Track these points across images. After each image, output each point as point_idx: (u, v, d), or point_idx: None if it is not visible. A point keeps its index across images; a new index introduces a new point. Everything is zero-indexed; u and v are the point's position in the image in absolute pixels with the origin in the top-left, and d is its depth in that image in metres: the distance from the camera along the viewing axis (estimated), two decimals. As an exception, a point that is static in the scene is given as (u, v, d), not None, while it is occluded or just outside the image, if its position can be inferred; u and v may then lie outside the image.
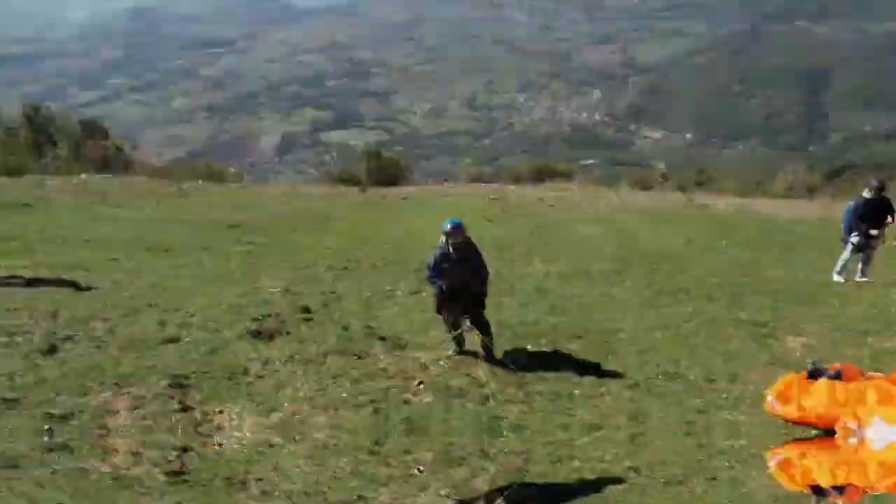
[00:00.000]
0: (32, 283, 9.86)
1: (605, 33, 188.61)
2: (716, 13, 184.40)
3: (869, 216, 12.32)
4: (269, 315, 9.28)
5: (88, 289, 9.88)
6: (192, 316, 9.14)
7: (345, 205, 22.79)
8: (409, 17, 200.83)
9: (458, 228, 7.37)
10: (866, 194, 12.53)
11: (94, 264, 11.55)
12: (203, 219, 18.01)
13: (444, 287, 7.64)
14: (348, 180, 30.81)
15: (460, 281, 7.55)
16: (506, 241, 16.19)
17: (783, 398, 6.57)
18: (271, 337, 8.55)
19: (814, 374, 6.93)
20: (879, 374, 6.98)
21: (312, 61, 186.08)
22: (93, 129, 28.46)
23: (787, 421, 6.36)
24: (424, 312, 9.88)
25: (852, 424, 6.07)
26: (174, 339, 8.18)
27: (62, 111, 32.23)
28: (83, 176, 22.88)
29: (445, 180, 42.39)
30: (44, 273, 10.43)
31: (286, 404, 6.48)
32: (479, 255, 7.69)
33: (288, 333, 8.70)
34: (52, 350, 7.37)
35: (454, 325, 7.94)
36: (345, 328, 8.96)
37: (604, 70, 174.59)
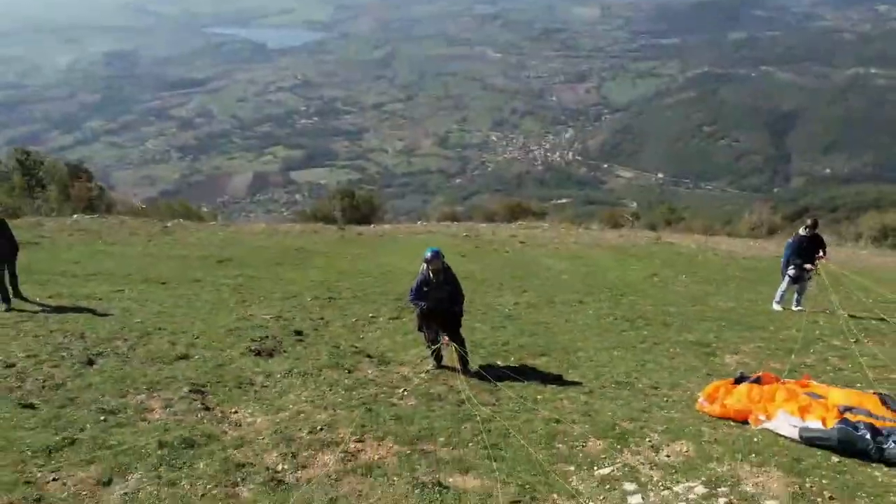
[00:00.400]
0: (58, 310, 11.06)
1: (578, 72, 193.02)
2: (688, 55, 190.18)
3: (804, 251, 13.81)
4: (266, 337, 10.36)
5: (104, 315, 10.96)
6: (196, 338, 10.20)
7: (323, 241, 23.91)
8: (381, 54, 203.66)
9: (437, 256, 8.59)
10: (802, 232, 14.04)
11: (103, 294, 12.62)
12: (192, 254, 19.02)
13: (424, 308, 8.82)
14: (322, 219, 31.94)
15: (439, 302, 8.75)
16: (478, 274, 17.44)
17: (710, 399, 7.86)
18: (270, 355, 9.64)
19: (739, 380, 8.24)
20: (792, 381, 8.33)
21: (283, 100, 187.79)
22: (78, 172, 29.50)
23: (711, 416, 7.62)
24: (405, 335, 11.12)
25: (762, 416, 7.33)
26: (185, 356, 9.23)
27: (48, 155, 33.46)
28: (75, 216, 23.87)
29: (419, 220, 43.71)
30: (65, 302, 11.62)
31: (291, 406, 7.55)
32: (456, 280, 8.90)
33: (284, 352, 9.80)
34: (90, 362, 8.49)
35: (433, 341, 9.10)
36: (335, 347, 10.10)
37: (577, 109, 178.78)
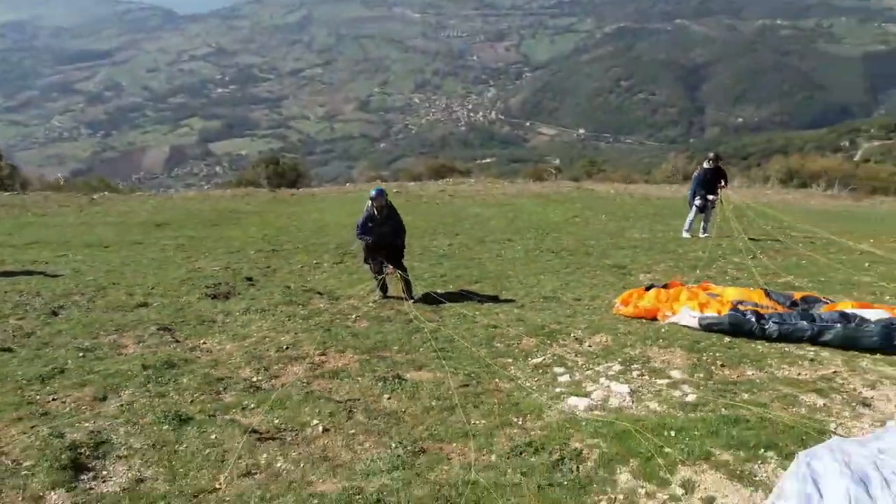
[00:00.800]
0: (5, 274, 11.26)
1: (498, 31, 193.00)
2: (604, 10, 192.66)
3: (708, 183, 15.25)
4: (219, 283, 11.00)
5: (55, 276, 11.31)
6: (152, 289, 10.74)
7: (257, 203, 24.26)
8: (296, 18, 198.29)
9: (381, 194, 9.41)
10: (706, 165, 15.47)
11: (49, 259, 12.88)
12: (128, 221, 19.16)
13: (370, 241, 9.65)
14: (249, 185, 32.05)
15: (382, 236, 9.60)
16: (412, 224, 18.15)
17: (625, 302, 9.05)
18: (226, 297, 10.32)
19: (649, 288, 9.47)
20: (694, 285, 9.62)
21: (197, 69, 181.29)
22: (-16, 152, 28.75)
23: (625, 316, 8.80)
24: (350, 275, 11.94)
25: (668, 313, 8.57)
26: (145, 304, 9.79)
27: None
28: (-8, 193, 23.44)
29: (347, 182, 44.12)
30: (11, 268, 11.87)
31: (255, 334, 8.29)
32: (398, 215, 9.76)
33: (239, 294, 10.49)
34: (54, 313, 8.96)
35: (378, 272, 9.96)
36: (287, 287, 10.83)
37: (498, 68, 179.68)
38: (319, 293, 10.56)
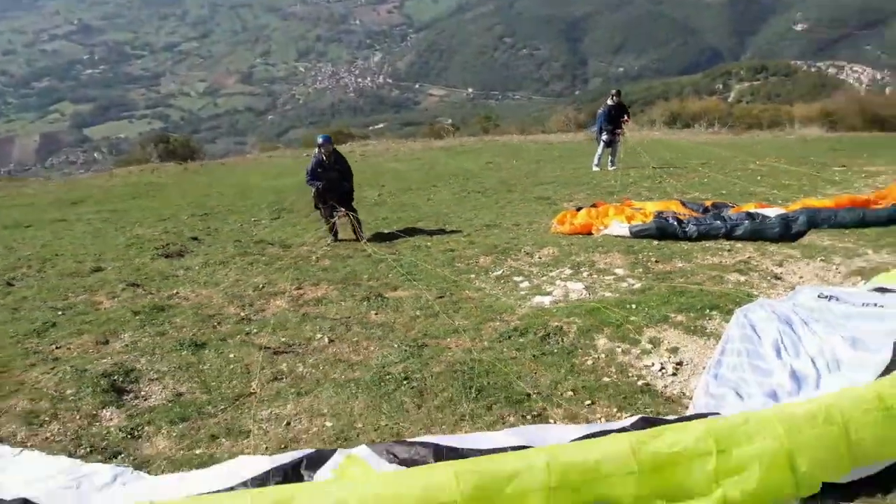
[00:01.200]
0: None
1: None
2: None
3: (612, 118, 16.45)
4: (167, 244, 11.13)
5: (-14, 255, 11.04)
6: (99, 257, 10.75)
7: (169, 175, 23.74)
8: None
9: (328, 140, 9.89)
10: (610, 102, 16.65)
11: (-32, 240, 12.48)
12: (38, 202, 18.50)
13: (320, 186, 10.12)
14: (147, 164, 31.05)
15: (332, 181, 10.09)
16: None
17: (561, 222, 10.06)
18: (180, 255, 10.50)
19: (579, 209, 10.49)
20: (618, 204, 10.73)
21: (61, 49, 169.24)
22: None
23: (563, 234, 9.79)
24: (294, 227, 12.33)
25: (601, 227, 9.62)
26: (99, 269, 9.86)
27: None
28: None
29: (248, 153, 43.23)
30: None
31: (225, 280, 8.69)
32: (345, 160, 10.26)
33: (192, 251, 10.70)
34: (10, 284, 8.90)
35: (330, 216, 10.45)
36: (237, 241, 11.13)
37: (382, 31, 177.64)
38: (270, 244, 10.93)
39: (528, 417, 4.55)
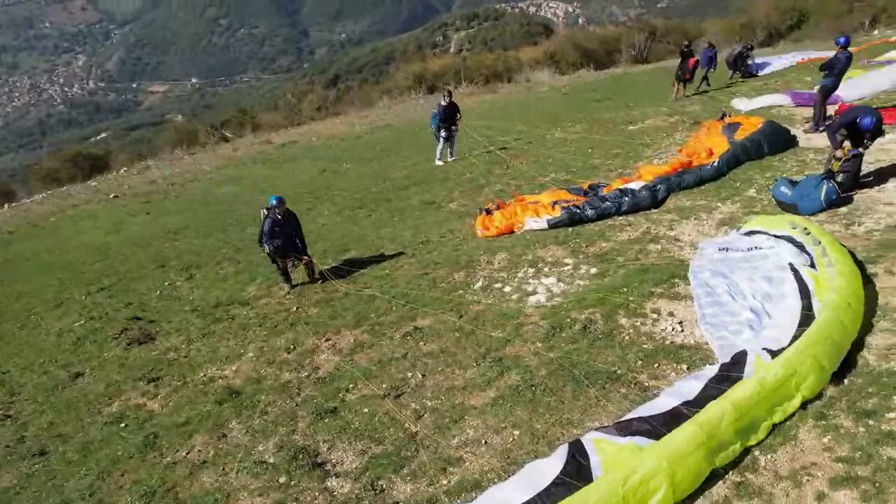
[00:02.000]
0: None
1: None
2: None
3: (447, 116, 18.64)
4: (122, 330, 11.20)
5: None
6: (56, 359, 10.72)
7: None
8: None
9: (282, 201, 10.89)
10: (443, 102, 18.75)
11: None
12: None
13: (279, 244, 11.06)
14: None
15: (288, 237, 11.10)
16: (176, 224, 18.49)
17: (485, 227, 12.17)
18: (150, 338, 10.83)
19: (488, 212, 12.64)
20: (514, 200, 13.09)
21: None
22: None
23: (493, 237, 11.92)
24: (225, 281, 12.88)
25: (519, 225, 11.93)
26: (80, 375, 10.06)
27: None
28: None
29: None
30: None
31: (242, 352, 9.52)
32: (296, 216, 11.30)
33: (158, 331, 11.08)
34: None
35: (285, 271, 11.41)
36: (193, 310, 11.54)
37: (79, 31, 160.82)
38: (229, 304, 11.51)
39: (633, 386, 6.72)
